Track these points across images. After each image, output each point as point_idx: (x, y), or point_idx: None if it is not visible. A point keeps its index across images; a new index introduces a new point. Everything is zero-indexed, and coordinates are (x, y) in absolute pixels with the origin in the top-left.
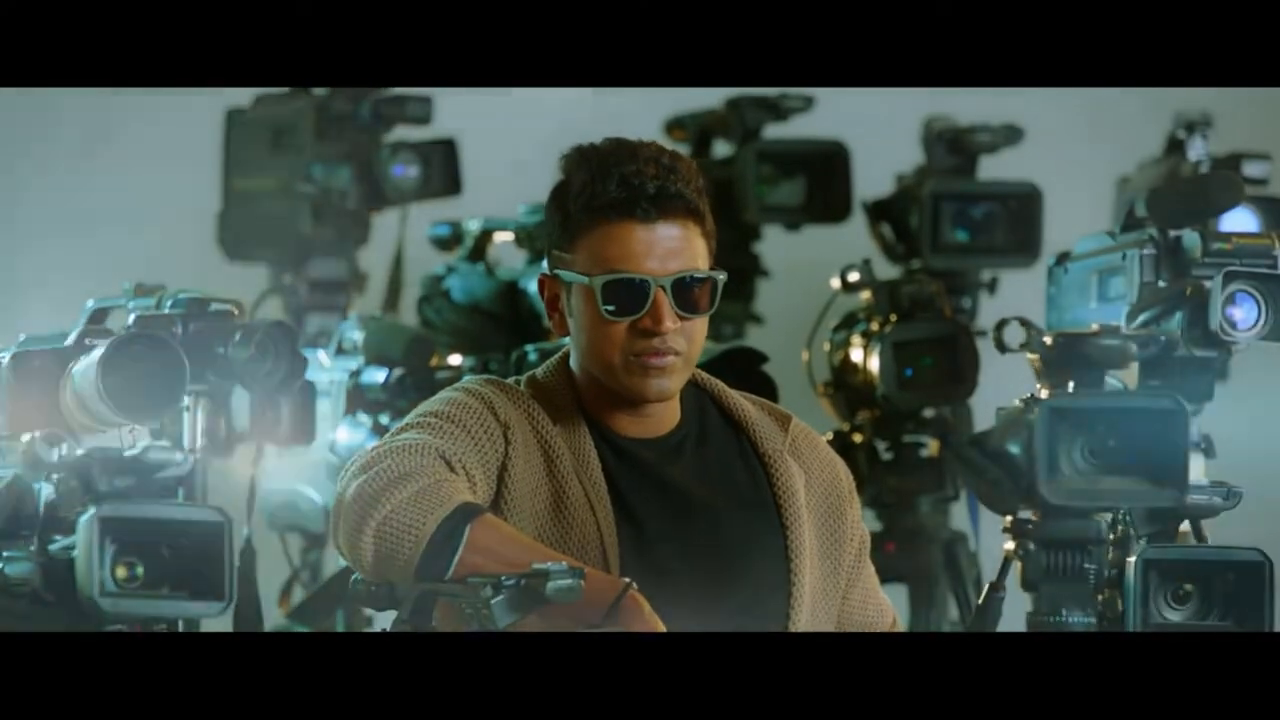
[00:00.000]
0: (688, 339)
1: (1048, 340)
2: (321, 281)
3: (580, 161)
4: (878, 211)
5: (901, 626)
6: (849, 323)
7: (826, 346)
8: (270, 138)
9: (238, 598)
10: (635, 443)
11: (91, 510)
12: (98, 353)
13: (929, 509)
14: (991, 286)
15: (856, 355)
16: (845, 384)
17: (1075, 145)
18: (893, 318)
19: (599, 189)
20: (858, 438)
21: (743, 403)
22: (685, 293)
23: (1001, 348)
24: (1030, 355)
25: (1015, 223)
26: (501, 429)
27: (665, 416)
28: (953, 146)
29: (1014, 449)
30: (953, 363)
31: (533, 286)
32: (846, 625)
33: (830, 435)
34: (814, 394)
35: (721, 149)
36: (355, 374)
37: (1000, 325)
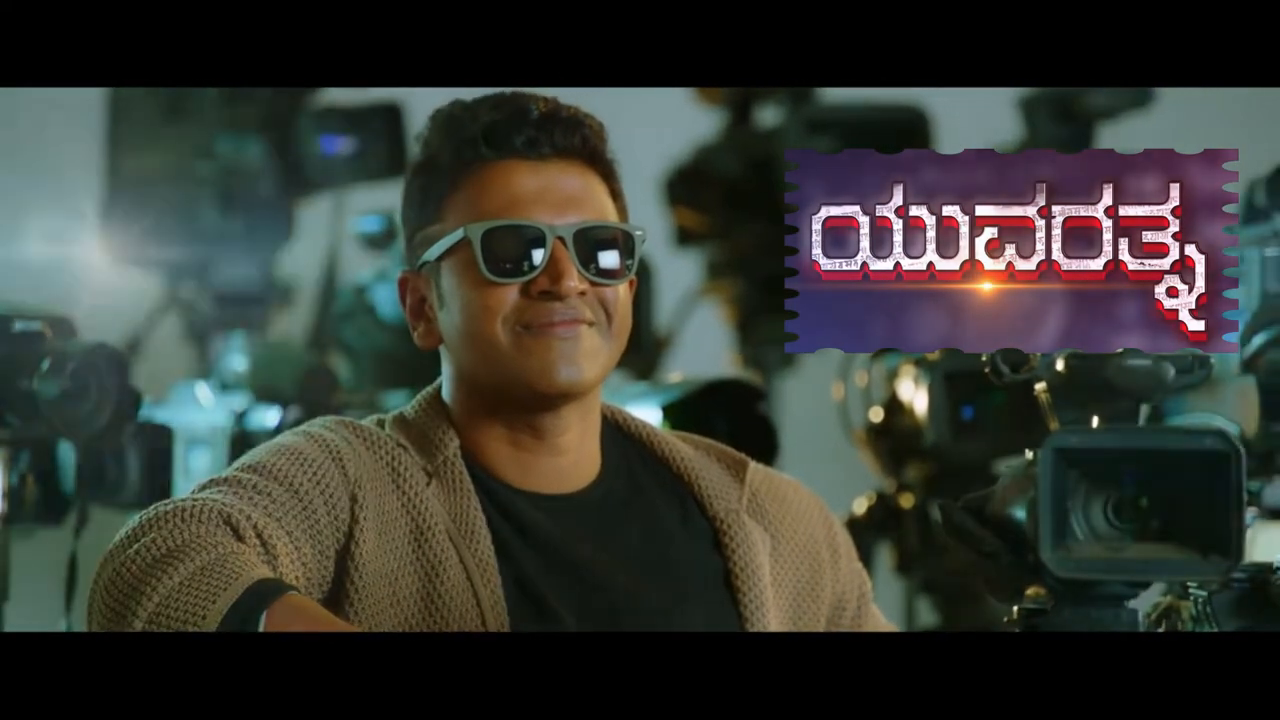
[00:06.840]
0: (604, 307)
1: (1059, 364)
2: (230, 294)
3: (439, 115)
4: None
5: None
6: None
7: (864, 379)
8: (164, 101)
9: None
10: (538, 501)
11: None
12: None
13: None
14: None
15: (905, 390)
16: (891, 429)
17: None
18: None
19: (469, 123)
20: (906, 501)
21: (682, 448)
22: (592, 247)
23: (998, 374)
24: (1037, 385)
25: None
26: (348, 489)
27: (580, 465)
28: (1059, 112)
29: (1019, 513)
30: (1030, 401)
31: None
32: None
33: (872, 497)
34: (849, 442)
35: (767, 117)
36: (240, 416)
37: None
